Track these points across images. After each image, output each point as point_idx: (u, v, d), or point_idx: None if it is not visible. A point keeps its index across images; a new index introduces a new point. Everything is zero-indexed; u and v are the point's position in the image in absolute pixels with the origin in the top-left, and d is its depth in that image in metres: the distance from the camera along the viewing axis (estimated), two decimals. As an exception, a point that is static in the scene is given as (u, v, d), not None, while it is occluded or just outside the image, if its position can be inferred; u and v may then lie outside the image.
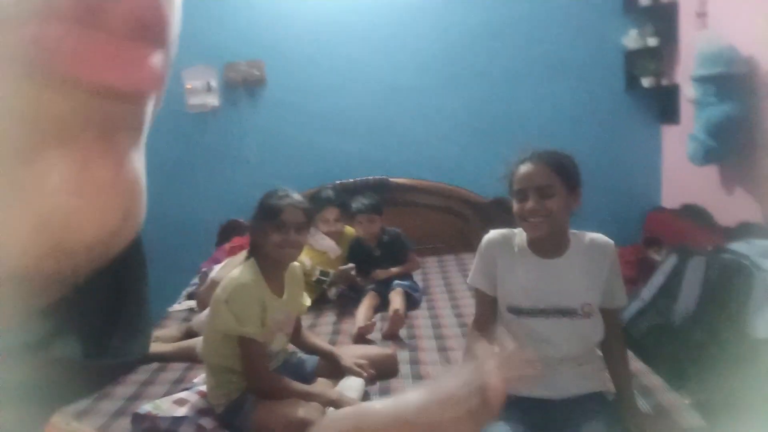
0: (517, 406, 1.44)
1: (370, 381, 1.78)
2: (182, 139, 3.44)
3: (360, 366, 1.78)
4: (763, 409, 1.66)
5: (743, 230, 2.46)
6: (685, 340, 1.99)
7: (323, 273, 2.60)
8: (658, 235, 2.97)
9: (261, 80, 3.37)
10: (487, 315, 1.52)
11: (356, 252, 2.71)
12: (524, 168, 1.41)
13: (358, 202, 2.68)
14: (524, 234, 1.49)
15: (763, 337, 1.89)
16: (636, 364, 1.79)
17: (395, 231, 2.77)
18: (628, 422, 1.42)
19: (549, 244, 1.44)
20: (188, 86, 3.35)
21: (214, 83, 3.36)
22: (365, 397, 1.71)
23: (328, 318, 2.49)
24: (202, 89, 3.36)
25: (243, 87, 3.36)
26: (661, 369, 1.89)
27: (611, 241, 1.47)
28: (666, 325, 2.09)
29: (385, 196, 3.04)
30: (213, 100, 3.38)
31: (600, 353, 1.53)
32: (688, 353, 1.97)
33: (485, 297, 1.52)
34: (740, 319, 1.98)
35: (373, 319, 2.29)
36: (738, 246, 2.25)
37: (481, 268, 1.51)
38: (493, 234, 1.53)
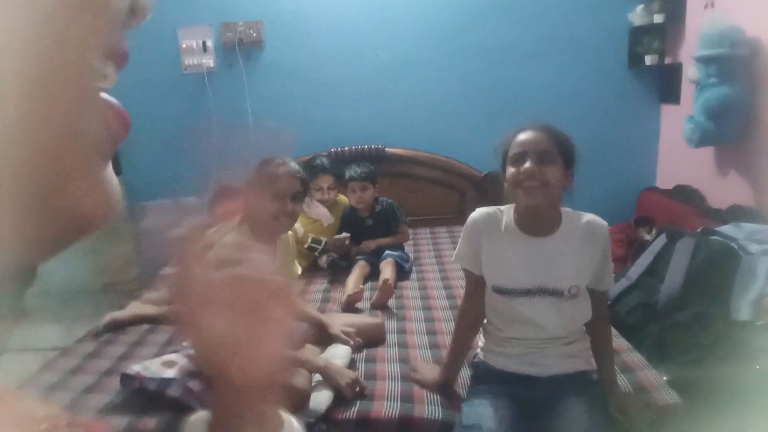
0: (502, 382, 1.45)
1: (356, 349, 1.81)
2: (178, 101, 3.39)
3: (347, 334, 1.80)
4: (740, 388, 1.71)
5: (734, 213, 2.48)
6: (668, 320, 2.02)
7: (315, 241, 2.61)
8: (650, 215, 2.98)
9: (259, 42, 3.30)
10: (476, 293, 1.51)
11: (349, 221, 2.72)
12: (524, 134, 1.38)
13: (352, 170, 2.67)
14: (512, 212, 1.46)
15: (745, 319, 1.93)
16: (619, 341, 1.83)
17: (388, 201, 2.77)
18: (608, 401, 1.44)
19: (539, 221, 1.41)
20: (183, 46, 3.28)
21: (210, 43, 3.30)
22: (351, 364, 1.74)
23: (319, 285, 2.51)
24: (197, 49, 3.29)
25: (240, 48, 3.29)
26: (643, 347, 1.93)
27: (605, 224, 1.44)
28: (651, 304, 2.12)
29: (380, 165, 3.02)
30: (209, 61, 3.32)
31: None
32: (670, 333, 2.00)
33: (472, 276, 1.50)
34: (723, 301, 2.01)
35: (362, 287, 2.31)
36: (727, 229, 2.27)
37: (466, 248, 1.49)
38: (478, 212, 1.49)
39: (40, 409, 0.31)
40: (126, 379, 1.61)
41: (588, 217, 1.44)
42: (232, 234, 1.67)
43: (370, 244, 2.63)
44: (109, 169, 0.31)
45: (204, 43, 3.29)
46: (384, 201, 2.75)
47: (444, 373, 1.60)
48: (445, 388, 1.59)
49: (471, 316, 1.55)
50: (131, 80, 3.35)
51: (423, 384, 1.61)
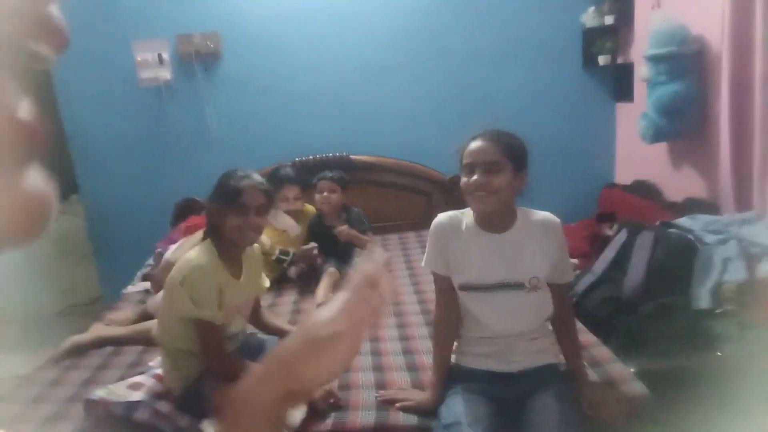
0: (476, 380, 1.49)
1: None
2: (135, 115, 3.31)
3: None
4: (704, 375, 1.76)
5: (689, 205, 2.57)
6: (633, 312, 2.07)
7: (283, 252, 2.58)
8: (611, 211, 3.06)
9: (216, 54, 3.26)
10: (449, 296, 1.54)
11: (316, 230, 2.69)
12: (474, 144, 1.46)
13: (323, 173, 2.66)
14: (471, 212, 1.52)
15: (705, 307, 1.99)
16: (587, 336, 1.86)
17: (356, 210, 2.75)
18: (580, 394, 1.48)
19: (496, 219, 1.49)
20: (138, 59, 3.21)
21: (165, 56, 3.23)
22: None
23: (288, 297, 2.48)
24: (153, 62, 3.22)
25: (197, 60, 3.24)
26: (612, 340, 1.97)
27: (558, 219, 1.52)
28: (617, 298, 2.17)
29: (345, 173, 3.00)
30: (165, 74, 3.25)
31: (551, 328, 1.59)
32: (636, 324, 2.05)
33: (443, 279, 1.54)
34: (684, 291, 2.08)
35: (332, 296, 2.28)
36: (684, 221, 2.35)
37: (434, 251, 1.53)
38: (441, 217, 1.56)
39: None
40: (90, 405, 1.55)
41: (540, 213, 1.52)
42: (196, 249, 1.63)
43: (345, 232, 2.58)
44: (33, 175, 0.27)
45: (160, 56, 3.22)
46: (351, 210, 2.74)
47: (435, 390, 1.51)
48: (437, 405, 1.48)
49: (447, 322, 1.55)
50: (86, 95, 3.25)
51: (417, 410, 1.50)
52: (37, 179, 0.28)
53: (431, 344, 1.68)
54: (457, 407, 1.41)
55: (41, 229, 0.28)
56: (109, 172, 3.35)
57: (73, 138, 3.30)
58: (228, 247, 1.62)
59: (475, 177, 1.41)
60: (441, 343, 1.56)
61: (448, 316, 1.55)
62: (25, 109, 0.26)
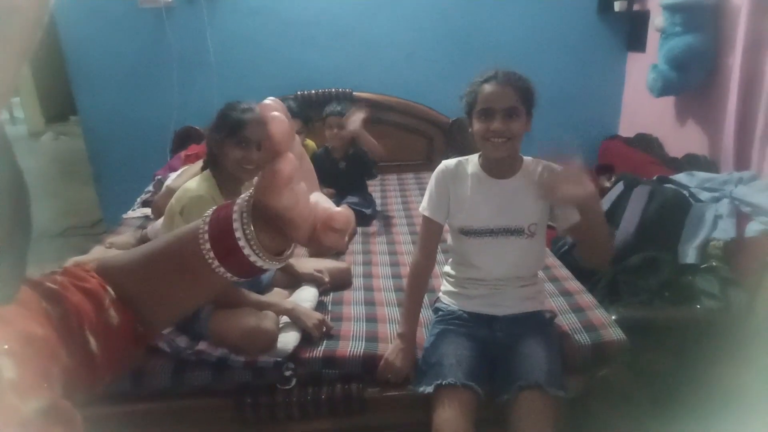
0: (463, 322, 1.54)
1: (324, 291, 1.86)
2: (136, 38, 3.23)
3: (318, 272, 1.84)
4: (681, 326, 1.84)
5: (689, 162, 2.57)
6: (620, 264, 2.13)
7: (282, 185, 2.58)
8: (611, 163, 3.06)
9: (219, -24, 3.13)
10: (434, 243, 1.57)
11: (322, 164, 2.65)
12: (490, 88, 1.42)
13: (332, 106, 2.60)
14: (476, 158, 1.53)
15: (691, 262, 2.04)
16: (573, 283, 1.93)
17: (362, 149, 2.72)
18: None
19: (502, 165, 1.49)
20: (139, -23, 3.09)
21: (167, -24, 3.11)
22: (320, 306, 1.79)
23: (286, 230, 2.52)
24: (154, -18, 3.10)
25: (200, -18, 3.12)
26: (597, 290, 2.04)
27: (561, 168, 1.50)
28: (606, 248, 2.22)
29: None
30: (167, -5, 3.14)
31: (541, 275, 1.63)
32: (621, 276, 2.11)
33: (434, 225, 1.54)
34: (673, 245, 2.12)
35: None
36: (681, 177, 2.36)
37: (434, 198, 1.53)
38: (446, 163, 1.55)
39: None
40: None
41: (545, 162, 1.52)
42: (196, 179, 1.65)
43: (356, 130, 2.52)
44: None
45: (161, -25, 3.10)
46: (358, 147, 2.67)
47: (409, 332, 1.55)
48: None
49: (426, 271, 1.59)
50: (84, 13, 3.15)
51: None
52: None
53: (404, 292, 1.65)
54: (441, 347, 1.47)
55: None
56: (108, 94, 3.31)
57: (71, 57, 3.23)
58: (227, 178, 1.64)
59: (494, 123, 1.39)
60: (417, 291, 1.57)
61: (428, 265, 1.59)
62: None
